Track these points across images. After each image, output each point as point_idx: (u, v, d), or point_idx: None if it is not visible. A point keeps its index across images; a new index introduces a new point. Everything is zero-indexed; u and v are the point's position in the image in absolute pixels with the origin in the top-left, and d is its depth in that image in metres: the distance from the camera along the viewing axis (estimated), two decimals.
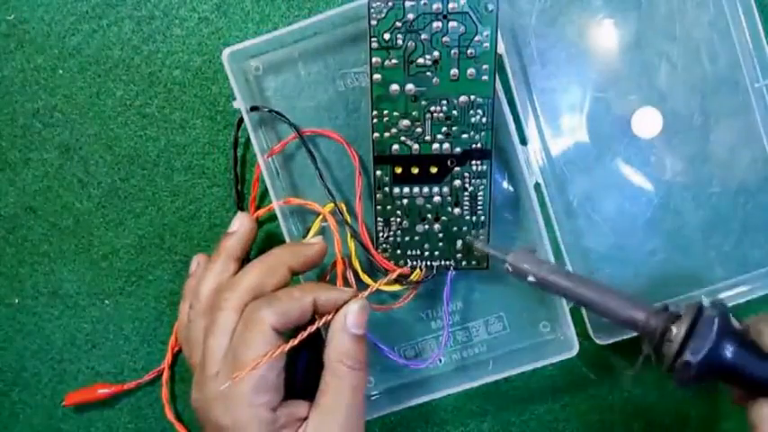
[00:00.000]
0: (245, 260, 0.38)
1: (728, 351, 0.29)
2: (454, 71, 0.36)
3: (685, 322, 0.29)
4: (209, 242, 0.42)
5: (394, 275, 0.38)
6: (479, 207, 0.38)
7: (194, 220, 0.42)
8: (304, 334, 0.34)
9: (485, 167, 0.37)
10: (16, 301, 0.43)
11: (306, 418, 0.34)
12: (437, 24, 0.35)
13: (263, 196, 0.41)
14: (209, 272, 0.36)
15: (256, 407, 0.32)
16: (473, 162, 0.37)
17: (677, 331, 0.29)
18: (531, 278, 0.34)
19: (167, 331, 0.43)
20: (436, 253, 0.39)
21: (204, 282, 0.36)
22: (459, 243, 0.39)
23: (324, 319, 0.35)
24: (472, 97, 0.36)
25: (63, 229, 0.43)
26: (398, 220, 0.38)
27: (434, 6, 0.34)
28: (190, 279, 0.39)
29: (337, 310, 0.35)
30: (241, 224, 0.38)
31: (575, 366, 0.43)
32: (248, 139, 0.40)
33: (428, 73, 0.36)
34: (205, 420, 0.34)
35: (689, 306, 0.30)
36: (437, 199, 0.38)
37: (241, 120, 0.38)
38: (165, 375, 0.42)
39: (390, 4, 0.34)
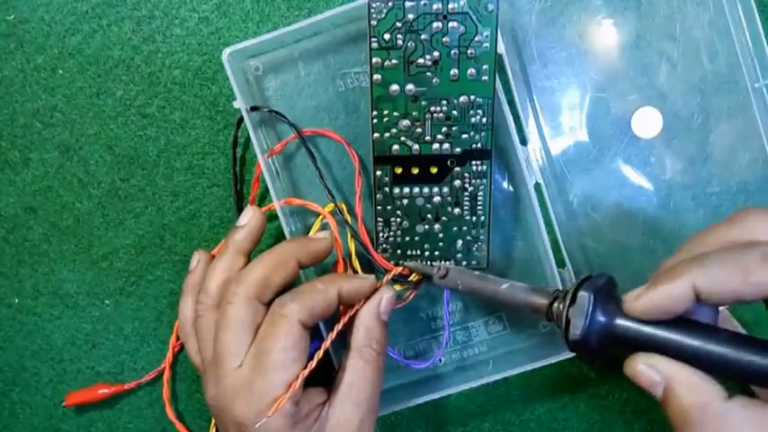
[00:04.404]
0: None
1: (608, 321, 0.30)
2: (454, 71, 0.36)
3: (566, 302, 0.31)
4: (209, 242, 0.42)
5: (396, 272, 0.38)
6: (479, 207, 0.38)
7: (194, 220, 0.42)
8: (339, 326, 0.35)
9: (485, 167, 0.37)
10: (16, 301, 0.43)
11: (323, 403, 0.34)
12: (437, 24, 0.35)
13: (264, 196, 0.41)
14: (217, 266, 0.36)
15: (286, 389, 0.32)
16: (473, 162, 0.37)
17: (558, 312, 0.31)
18: (460, 287, 0.36)
19: (167, 331, 0.43)
20: (436, 253, 0.39)
21: (212, 276, 0.36)
22: (460, 243, 0.39)
23: (354, 310, 0.36)
24: (472, 97, 0.36)
25: (63, 229, 0.43)
26: (398, 220, 0.38)
27: (434, 6, 0.34)
28: (190, 275, 0.39)
29: (366, 298, 0.36)
30: (250, 218, 0.37)
31: (575, 366, 0.43)
32: (248, 139, 0.40)
33: (428, 73, 0.36)
34: (223, 415, 0.33)
35: (572, 285, 0.31)
36: (437, 199, 0.38)
37: (241, 119, 0.38)
38: (167, 374, 0.42)
39: (390, 4, 0.34)
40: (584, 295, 0.30)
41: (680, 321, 0.29)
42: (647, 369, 0.29)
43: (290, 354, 0.33)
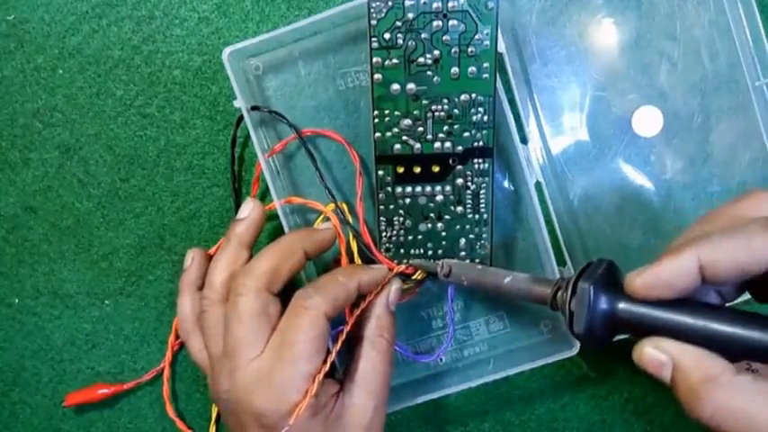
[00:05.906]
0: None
1: (610, 308, 0.30)
2: (455, 70, 0.36)
3: (567, 293, 0.31)
4: (209, 242, 0.42)
5: (399, 270, 0.38)
6: (482, 205, 0.38)
7: (194, 220, 0.42)
8: (352, 319, 0.36)
9: (486, 165, 0.37)
10: (16, 301, 0.43)
11: (337, 393, 0.35)
12: (437, 23, 0.35)
13: (264, 195, 0.41)
14: (220, 260, 0.36)
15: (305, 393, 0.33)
16: (475, 160, 0.37)
17: (562, 303, 0.31)
18: (464, 282, 0.37)
19: (167, 331, 0.43)
20: (439, 251, 0.39)
21: (216, 270, 0.36)
22: (463, 241, 0.39)
23: (368, 301, 0.36)
24: (473, 95, 0.36)
25: (63, 229, 0.42)
26: (401, 219, 0.38)
27: (434, 5, 0.34)
28: (186, 273, 0.39)
29: (379, 289, 0.37)
30: (251, 210, 0.37)
31: (575, 366, 0.43)
32: (248, 138, 0.40)
33: (429, 72, 0.36)
34: (238, 408, 0.33)
35: (574, 274, 0.31)
36: (439, 198, 0.38)
37: (240, 118, 0.38)
38: (167, 373, 0.42)
39: (390, 3, 0.34)
40: (584, 286, 0.30)
41: (683, 302, 0.29)
42: (653, 351, 0.28)
43: (314, 345, 0.33)
